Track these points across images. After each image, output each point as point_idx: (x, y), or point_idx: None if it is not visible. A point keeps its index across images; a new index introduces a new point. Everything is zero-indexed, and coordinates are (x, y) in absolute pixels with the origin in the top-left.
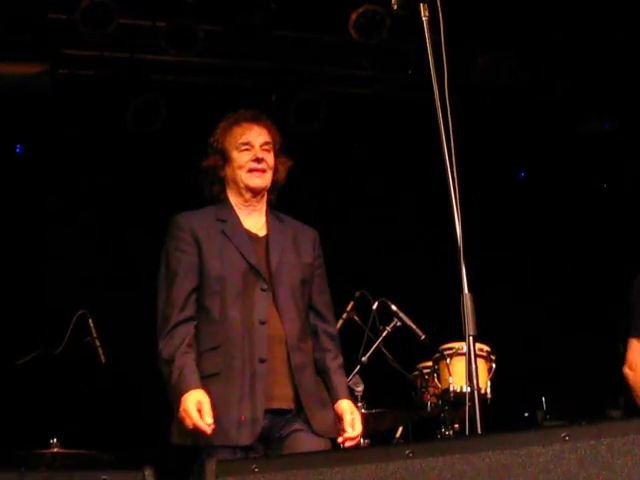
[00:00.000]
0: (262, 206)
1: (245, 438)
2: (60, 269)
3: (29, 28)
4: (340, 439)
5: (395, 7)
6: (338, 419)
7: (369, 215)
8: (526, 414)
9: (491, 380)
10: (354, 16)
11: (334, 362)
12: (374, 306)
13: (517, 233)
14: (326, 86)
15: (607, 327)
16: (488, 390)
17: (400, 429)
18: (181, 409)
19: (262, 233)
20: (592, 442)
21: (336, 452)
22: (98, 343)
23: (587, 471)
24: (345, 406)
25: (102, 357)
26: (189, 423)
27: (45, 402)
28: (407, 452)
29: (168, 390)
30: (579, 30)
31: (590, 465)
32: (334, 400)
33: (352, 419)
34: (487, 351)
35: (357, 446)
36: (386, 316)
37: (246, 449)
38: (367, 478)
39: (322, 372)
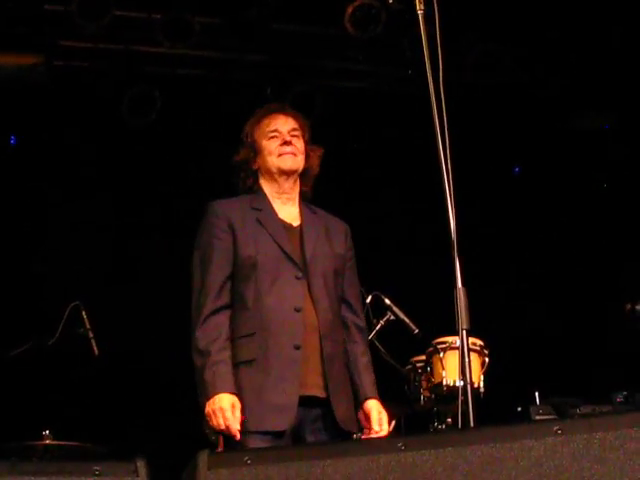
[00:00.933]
0: (295, 196)
1: (280, 424)
2: (54, 261)
3: (25, 19)
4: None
5: (391, 0)
6: (365, 417)
7: (363, 209)
8: (519, 409)
9: (484, 374)
10: (350, 10)
11: (363, 358)
12: (368, 300)
13: (512, 227)
14: (321, 79)
15: (602, 322)
16: (481, 384)
17: (393, 423)
18: (215, 407)
19: (296, 223)
20: (585, 436)
21: (328, 444)
22: (91, 335)
23: (579, 465)
24: (373, 405)
25: (95, 349)
26: (221, 422)
27: (38, 394)
28: (399, 445)
29: (197, 380)
30: (576, 25)
31: (582, 459)
32: (363, 398)
33: (379, 418)
34: (480, 345)
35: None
36: (380, 310)
37: (279, 435)
38: (359, 470)
39: (351, 366)
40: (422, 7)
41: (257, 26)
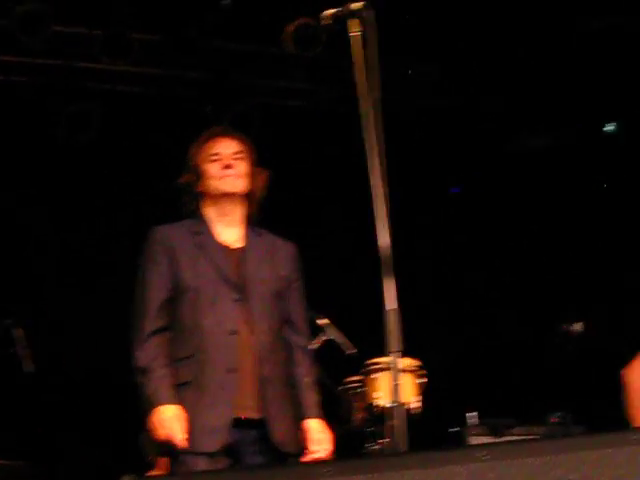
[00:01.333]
0: (239, 218)
1: (211, 445)
2: None
3: None
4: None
5: (325, 22)
6: (305, 438)
7: (300, 227)
8: (454, 429)
9: (421, 395)
10: (291, 29)
11: (306, 378)
12: None
13: (450, 246)
14: (261, 98)
15: (540, 342)
16: (416, 405)
17: None
18: (158, 418)
19: (239, 245)
20: (511, 462)
21: (252, 470)
22: (24, 353)
23: None
24: (312, 425)
25: (28, 367)
26: (162, 434)
27: None
28: (325, 470)
29: (140, 397)
30: (513, 47)
31: None
32: (303, 418)
33: (318, 438)
34: (417, 366)
35: None
36: (315, 330)
37: (213, 456)
38: None
39: (294, 387)
40: (358, 29)
41: (198, 43)
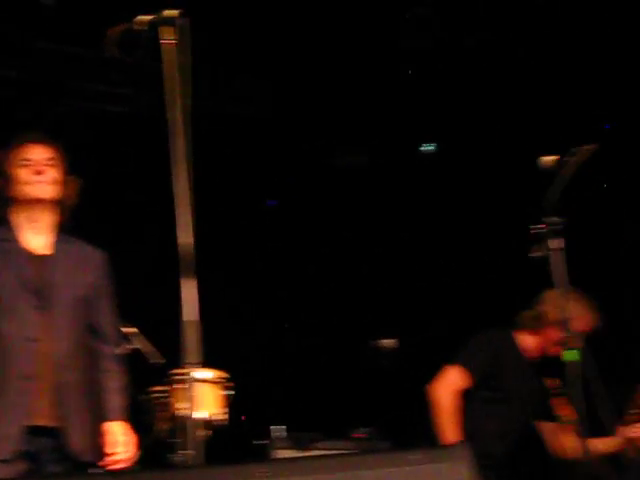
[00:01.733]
0: (49, 225)
1: (3, 452)
2: None
3: None
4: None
5: (139, 27)
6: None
7: (115, 235)
8: (258, 442)
9: (226, 407)
10: (113, 33)
11: (112, 383)
12: None
13: (264, 258)
14: (81, 101)
15: (349, 357)
16: (221, 417)
17: None
18: None
19: (45, 252)
20: (300, 478)
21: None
22: None
23: None
24: (111, 427)
25: None
26: None
27: None
28: None
29: None
30: (336, 61)
31: None
32: (106, 421)
33: (115, 441)
34: (223, 378)
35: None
36: (122, 338)
37: (6, 463)
38: None
39: (100, 393)
40: (171, 37)
41: (18, 43)
